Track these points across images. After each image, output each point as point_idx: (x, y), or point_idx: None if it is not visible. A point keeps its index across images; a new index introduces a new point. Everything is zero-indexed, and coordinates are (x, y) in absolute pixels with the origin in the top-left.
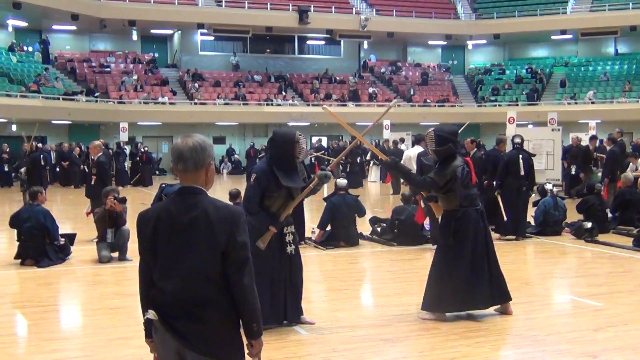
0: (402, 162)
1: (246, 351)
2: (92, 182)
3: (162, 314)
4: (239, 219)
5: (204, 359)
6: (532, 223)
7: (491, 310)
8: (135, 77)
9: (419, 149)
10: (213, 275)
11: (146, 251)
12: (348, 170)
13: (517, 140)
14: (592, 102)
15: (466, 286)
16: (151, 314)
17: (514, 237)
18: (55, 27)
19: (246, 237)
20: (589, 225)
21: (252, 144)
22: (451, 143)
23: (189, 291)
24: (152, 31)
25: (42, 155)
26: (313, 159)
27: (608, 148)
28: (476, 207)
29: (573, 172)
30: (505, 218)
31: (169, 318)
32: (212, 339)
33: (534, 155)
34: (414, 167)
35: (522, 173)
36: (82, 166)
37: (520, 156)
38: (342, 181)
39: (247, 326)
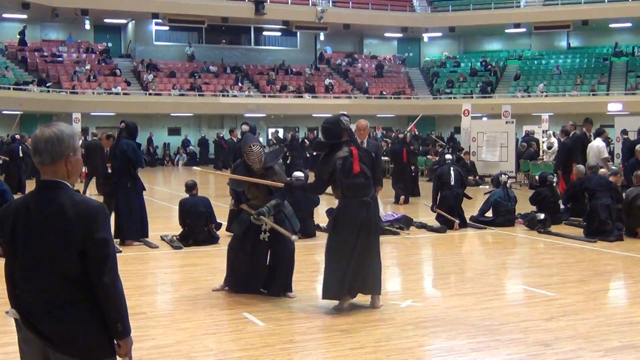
0: (587, 154)
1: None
2: None
3: (24, 313)
4: (97, 215)
5: (68, 358)
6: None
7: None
8: (88, 66)
9: (600, 141)
10: (72, 275)
11: (7, 248)
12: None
13: (449, 156)
14: (545, 95)
15: (337, 275)
16: (12, 313)
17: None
18: (5, 15)
19: (106, 234)
20: (541, 216)
21: (204, 135)
22: (333, 134)
23: (48, 292)
24: (106, 20)
25: (20, 147)
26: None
27: (562, 140)
28: (360, 198)
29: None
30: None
31: (31, 318)
32: (76, 339)
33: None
34: (598, 156)
35: (453, 183)
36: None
37: (452, 168)
38: (299, 174)
39: (112, 326)
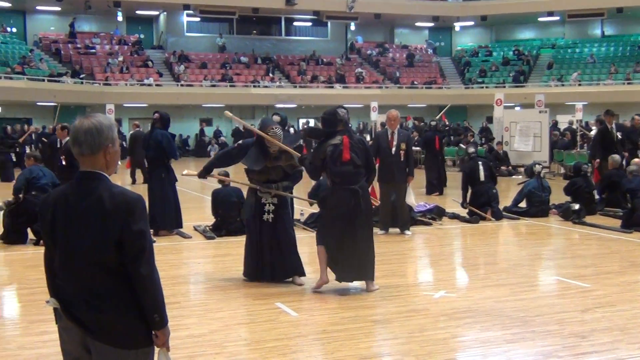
0: None
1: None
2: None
3: (64, 302)
4: (135, 207)
5: (107, 347)
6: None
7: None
8: (120, 58)
9: None
10: (110, 265)
11: (47, 238)
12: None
13: (472, 149)
14: (579, 84)
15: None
16: (52, 302)
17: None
18: (39, 7)
19: (144, 225)
20: (576, 206)
21: (237, 125)
22: (329, 123)
23: (87, 281)
24: (138, 12)
25: (58, 139)
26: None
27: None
28: (349, 185)
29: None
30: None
31: (70, 307)
32: (115, 328)
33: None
34: None
35: (482, 179)
36: None
37: (480, 163)
38: None
39: (149, 317)
